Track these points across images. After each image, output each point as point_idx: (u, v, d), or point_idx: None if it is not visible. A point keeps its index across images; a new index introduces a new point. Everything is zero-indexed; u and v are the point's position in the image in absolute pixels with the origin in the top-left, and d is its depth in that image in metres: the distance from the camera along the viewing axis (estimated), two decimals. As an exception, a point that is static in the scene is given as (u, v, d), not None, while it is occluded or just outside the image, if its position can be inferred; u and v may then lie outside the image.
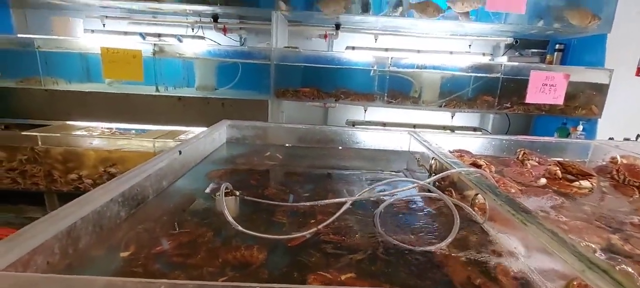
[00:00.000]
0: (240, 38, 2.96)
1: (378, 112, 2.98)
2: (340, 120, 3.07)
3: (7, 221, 2.17)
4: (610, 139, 1.90)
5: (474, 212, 0.85)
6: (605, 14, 2.33)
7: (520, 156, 1.42)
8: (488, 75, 2.42)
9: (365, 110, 2.82)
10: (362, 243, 0.72)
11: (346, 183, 1.14)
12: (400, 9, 2.36)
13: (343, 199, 0.84)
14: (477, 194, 0.87)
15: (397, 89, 2.46)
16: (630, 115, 2.62)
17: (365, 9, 2.40)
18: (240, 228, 0.71)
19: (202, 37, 2.94)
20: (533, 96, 2.29)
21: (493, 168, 1.24)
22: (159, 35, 2.94)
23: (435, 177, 1.02)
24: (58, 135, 2.18)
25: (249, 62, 2.43)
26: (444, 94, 2.47)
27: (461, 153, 1.41)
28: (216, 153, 1.38)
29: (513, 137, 1.60)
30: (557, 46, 2.71)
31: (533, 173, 1.23)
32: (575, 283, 0.53)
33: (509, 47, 2.91)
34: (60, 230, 0.56)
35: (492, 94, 2.44)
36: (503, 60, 2.81)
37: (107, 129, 2.55)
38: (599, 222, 0.90)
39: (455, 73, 2.43)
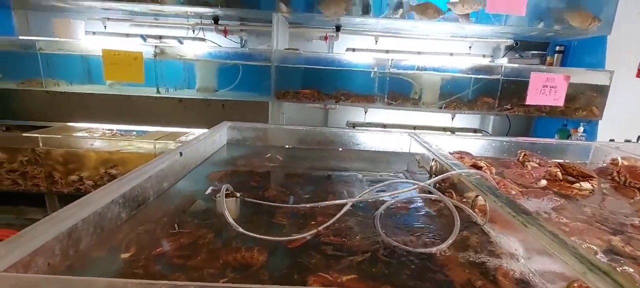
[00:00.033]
0: (241, 40, 2.97)
1: (378, 114, 2.98)
2: (340, 122, 3.07)
3: (8, 222, 2.18)
4: (611, 140, 1.90)
5: (474, 214, 0.85)
6: (605, 15, 2.33)
7: (520, 158, 1.42)
8: (488, 76, 2.42)
9: (365, 112, 2.82)
10: (362, 245, 0.72)
11: (346, 184, 1.14)
12: (401, 10, 2.36)
13: (343, 201, 0.84)
14: (477, 196, 0.87)
15: (398, 90, 2.47)
16: (630, 117, 2.62)
17: (365, 11, 2.40)
18: (240, 229, 0.71)
19: (203, 39, 2.95)
20: (533, 98, 2.29)
21: (493, 170, 1.24)
22: (160, 37, 2.95)
23: (435, 178, 1.02)
24: (59, 136, 2.19)
25: (250, 63, 2.43)
26: (444, 96, 2.48)
27: (461, 155, 1.41)
28: (217, 154, 1.38)
29: (513, 139, 1.60)
30: (557, 48, 2.71)
31: (533, 174, 1.23)
32: (575, 285, 0.53)
33: (509, 48, 2.91)
34: (61, 231, 0.57)
35: (492, 95, 2.44)
36: (503, 61, 2.81)
37: (108, 130, 2.55)
38: (600, 223, 0.90)
39: (456, 75, 2.44)
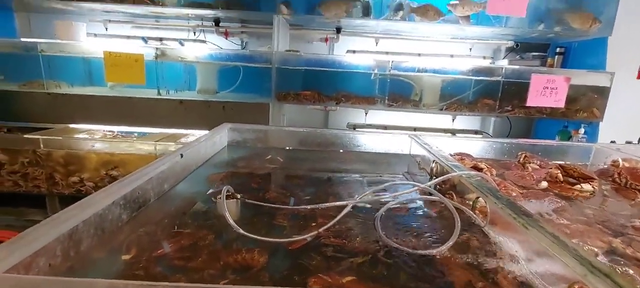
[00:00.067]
0: (242, 42, 2.98)
1: (379, 115, 2.98)
2: (341, 123, 3.08)
3: (8, 224, 2.18)
4: (612, 142, 1.90)
5: (475, 216, 0.85)
6: (606, 17, 2.33)
7: (521, 159, 1.42)
8: (489, 78, 2.42)
9: (366, 113, 2.82)
10: (362, 247, 0.72)
11: (347, 186, 1.14)
12: (401, 12, 2.37)
13: (344, 202, 0.84)
14: (478, 197, 0.87)
15: (398, 92, 2.47)
16: (631, 118, 2.62)
17: (366, 13, 2.41)
18: (241, 231, 0.71)
19: (204, 41, 2.95)
20: (534, 99, 2.29)
21: (494, 172, 1.24)
22: (161, 39, 2.96)
23: (436, 180, 1.01)
24: (60, 138, 2.19)
25: (250, 65, 2.44)
26: (444, 97, 2.48)
27: (462, 157, 1.41)
28: (217, 156, 1.38)
29: (514, 140, 1.60)
30: (558, 49, 2.71)
31: (534, 176, 1.23)
32: (576, 287, 0.52)
33: (510, 50, 2.92)
34: (62, 232, 0.57)
35: (493, 97, 2.44)
36: (504, 63, 2.81)
37: (109, 132, 2.56)
38: (601, 225, 0.90)
39: (456, 76, 2.44)
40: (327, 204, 0.86)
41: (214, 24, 2.81)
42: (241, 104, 2.46)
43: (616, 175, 1.28)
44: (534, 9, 2.31)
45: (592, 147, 1.65)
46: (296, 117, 3.03)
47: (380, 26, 2.65)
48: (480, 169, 1.18)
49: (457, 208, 0.81)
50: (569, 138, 2.56)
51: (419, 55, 2.96)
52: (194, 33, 2.94)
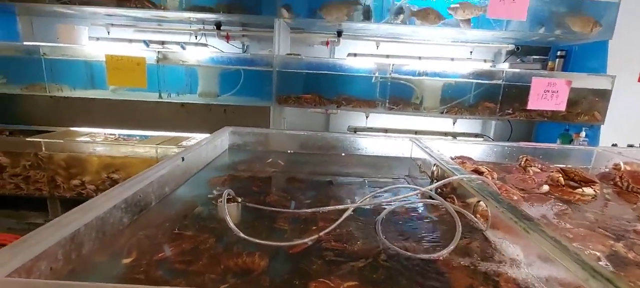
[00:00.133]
0: (243, 45, 2.99)
1: (380, 119, 2.98)
2: (341, 127, 3.08)
3: (10, 227, 2.18)
4: (614, 145, 1.90)
5: (476, 219, 0.85)
6: (607, 20, 2.33)
7: (522, 163, 1.42)
8: (489, 81, 2.42)
9: (366, 117, 2.82)
10: (363, 251, 0.72)
11: (348, 190, 1.14)
12: (402, 16, 2.37)
13: (345, 206, 0.84)
14: (479, 201, 0.87)
15: (399, 95, 2.47)
16: (633, 122, 2.62)
17: (366, 17, 2.41)
18: (242, 234, 0.71)
19: (205, 45, 2.97)
20: (535, 102, 2.29)
21: (495, 175, 1.24)
22: (163, 42, 2.97)
23: (437, 183, 1.01)
24: (61, 141, 2.20)
25: (251, 69, 2.44)
26: (445, 101, 2.48)
27: (463, 160, 1.41)
28: (218, 159, 1.39)
29: (515, 144, 1.60)
30: (558, 53, 2.72)
31: (535, 180, 1.23)
32: (578, 291, 0.52)
33: (511, 53, 2.92)
34: (64, 236, 0.57)
35: (493, 100, 2.44)
36: (504, 66, 2.81)
37: (111, 135, 2.56)
38: (603, 229, 0.89)
39: (457, 79, 2.44)
40: (328, 208, 0.86)
41: (215, 27, 2.82)
42: (242, 107, 2.47)
43: (618, 179, 1.28)
44: (535, 12, 2.32)
45: (593, 150, 1.65)
46: (297, 120, 3.04)
47: (381, 30, 2.66)
48: (481, 173, 1.18)
49: (458, 212, 0.81)
50: (570, 141, 2.55)
51: (420, 58, 2.97)
52: (196, 36, 2.95)
